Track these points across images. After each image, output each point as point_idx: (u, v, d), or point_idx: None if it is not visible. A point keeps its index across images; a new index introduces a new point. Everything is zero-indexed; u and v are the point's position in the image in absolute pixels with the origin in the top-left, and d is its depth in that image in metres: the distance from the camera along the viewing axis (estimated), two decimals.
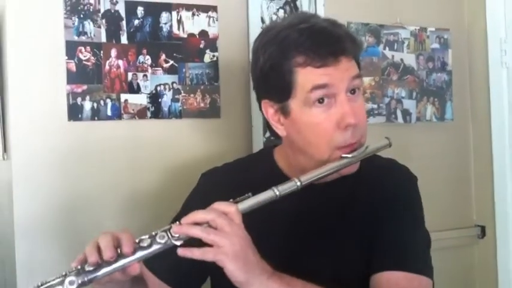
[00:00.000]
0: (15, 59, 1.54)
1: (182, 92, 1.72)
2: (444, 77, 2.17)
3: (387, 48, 2.06)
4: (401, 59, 2.08)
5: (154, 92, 1.69)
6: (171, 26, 1.71)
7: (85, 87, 1.60)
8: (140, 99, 1.67)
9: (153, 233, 0.97)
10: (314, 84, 1.06)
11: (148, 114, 1.68)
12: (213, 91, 1.77)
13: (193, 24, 1.74)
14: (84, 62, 1.60)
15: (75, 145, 1.60)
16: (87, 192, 1.61)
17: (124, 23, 1.65)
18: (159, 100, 1.69)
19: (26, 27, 1.54)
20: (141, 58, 1.67)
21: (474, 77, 2.24)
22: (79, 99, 1.59)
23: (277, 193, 1.02)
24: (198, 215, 0.98)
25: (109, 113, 1.63)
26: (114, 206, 1.65)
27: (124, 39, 1.65)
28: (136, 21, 1.66)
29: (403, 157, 1.31)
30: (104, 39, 1.62)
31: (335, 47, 1.07)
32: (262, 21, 1.83)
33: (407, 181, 1.23)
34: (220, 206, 0.99)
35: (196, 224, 0.97)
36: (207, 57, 1.76)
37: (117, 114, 1.64)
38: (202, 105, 1.75)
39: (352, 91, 1.10)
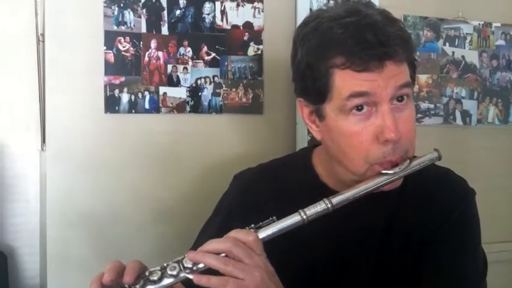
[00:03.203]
0: (53, 48, 1.50)
1: (224, 86, 1.65)
2: (509, 76, 2.00)
3: (447, 44, 1.91)
4: (463, 56, 1.93)
5: (194, 85, 1.62)
6: (214, 17, 1.63)
7: (123, 78, 1.55)
8: (179, 93, 1.60)
9: (165, 264, 0.89)
10: (352, 92, 0.93)
11: (188, 108, 1.61)
12: (256, 86, 1.68)
13: (237, 16, 1.66)
14: (123, 53, 1.55)
15: (111, 138, 1.56)
16: (121, 186, 1.56)
17: (165, 13, 1.58)
18: (199, 94, 1.62)
19: (64, 16, 1.50)
20: (181, 50, 1.60)
21: None
22: (116, 91, 1.54)
23: (305, 217, 0.92)
24: (212, 245, 0.89)
25: (147, 106, 1.57)
26: (148, 201, 1.59)
27: (165, 30, 1.58)
28: (177, 12, 1.60)
29: (460, 162, 1.19)
30: (144, 29, 1.57)
31: (381, 50, 0.92)
32: None
33: (462, 197, 1.07)
34: (238, 234, 0.90)
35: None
36: (251, 50, 1.68)
37: (155, 108, 1.58)
38: (244, 100, 1.67)
39: (400, 98, 0.96)
